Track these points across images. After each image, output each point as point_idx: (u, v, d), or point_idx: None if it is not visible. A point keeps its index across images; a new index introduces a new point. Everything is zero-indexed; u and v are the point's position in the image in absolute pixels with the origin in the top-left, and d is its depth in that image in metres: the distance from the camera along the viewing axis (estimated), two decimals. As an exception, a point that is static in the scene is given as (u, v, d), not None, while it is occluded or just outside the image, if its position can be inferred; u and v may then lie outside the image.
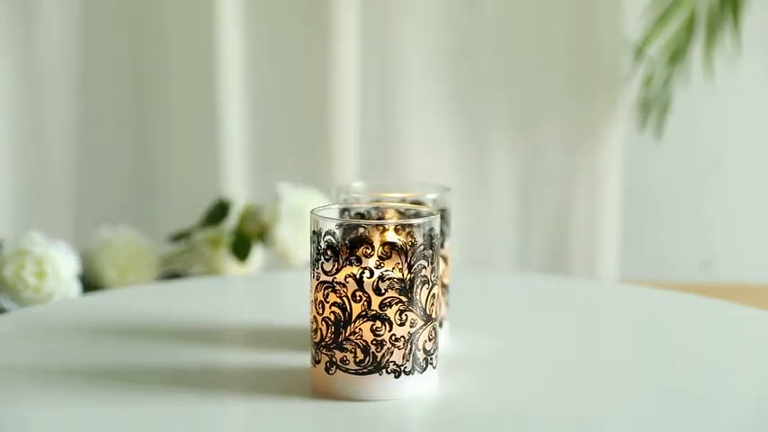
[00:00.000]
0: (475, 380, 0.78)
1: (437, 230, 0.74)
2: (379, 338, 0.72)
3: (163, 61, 1.64)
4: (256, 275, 1.32)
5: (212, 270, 1.39)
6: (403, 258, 0.72)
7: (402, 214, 0.79)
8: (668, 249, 1.79)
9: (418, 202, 0.84)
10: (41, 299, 1.15)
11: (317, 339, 0.74)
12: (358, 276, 0.72)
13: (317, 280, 0.74)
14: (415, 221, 0.73)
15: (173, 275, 1.40)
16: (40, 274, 1.15)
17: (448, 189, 0.87)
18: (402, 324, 0.72)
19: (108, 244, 1.33)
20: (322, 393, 0.74)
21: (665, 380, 0.80)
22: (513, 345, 0.88)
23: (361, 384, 0.72)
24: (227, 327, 0.94)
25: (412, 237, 0.72)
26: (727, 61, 1.61)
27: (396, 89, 1.67)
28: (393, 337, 0.72)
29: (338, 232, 0.73)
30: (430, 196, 0.85)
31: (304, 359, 0.80)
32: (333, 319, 0.72)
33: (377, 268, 0.72)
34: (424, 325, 0.73)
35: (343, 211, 0.82)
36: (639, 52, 1.60)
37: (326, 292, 0.73)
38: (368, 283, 0.72)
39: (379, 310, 0.72)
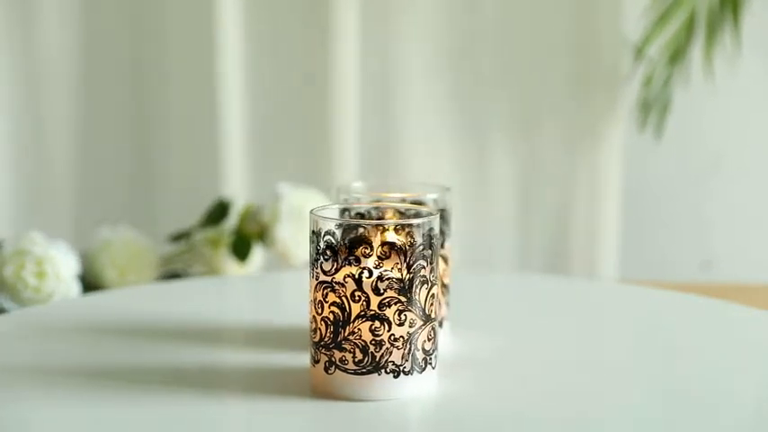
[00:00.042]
0: (475, 380, 0.78)
1: (436, 230, 0.74)
2: (378, 338, 0.72)
3: (163, 61, 1.64)
4: (256, 275, 1.32)
5: (212, 270, 1.39)
6: (402, 258, 0.72)
7: (402, 214, 0.79)
8: (668, 249, 1.79)
9: (419, 202, 0.84)
10: (41, 299, 1.15)
11: (317, 339, 0.74)
12: (357, 276, 0.72)
13: (317, 280, 0.74)
14: (413, 221, 0.73)
15: (173, 275, 1.40)
16: (40, 274, 1.15)
17: (448, 189, 0.87)
18: (401, 324, 0.72)
19: (108, 244, 1.33)
20: (321, 393, 0.74)
21: (665, 380, 0.80)
22: (513, 345, 0.88)
23: (360, 384, 0.72)
24: (227, 327, 0.94)
25: (411, 237, 0.72)
26: (727, 61, 1.61)
27: (396, 89, 1.67)
28: (392, 338, 0.72)
29: (338, 232, 0.73)
30: (430, 196, 0.85)
31: (304, 359, 0.80)
32: (332, 318, 0.72)
33: (376, 268, 0.72)
34: (423, 325, 0.73)
35: (343, 211, 0.82)
36: (639, 52, 1.60)
37: (325, 291, 0.73)
38: (367, 283, 0.72)
39: (377, 310, 0.72)
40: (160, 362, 0.82)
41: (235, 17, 1.62)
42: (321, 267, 0.73)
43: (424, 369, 0.74)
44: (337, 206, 0.81)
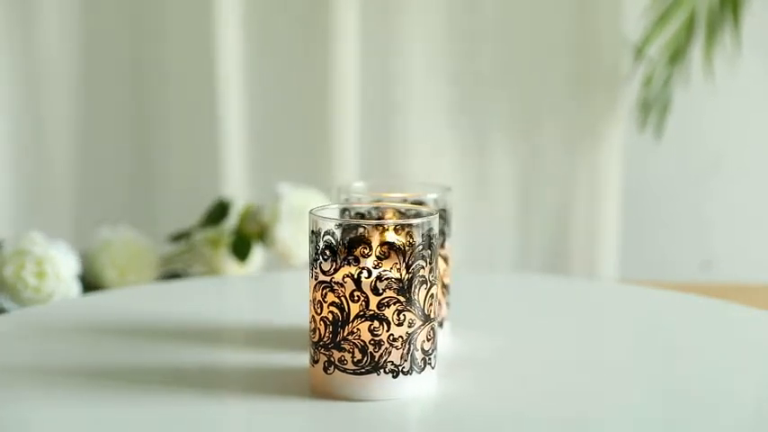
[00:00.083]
0: (475, 380, 0.78)
1: (436, 230, 0.74)
2: (376, 338, 0.72)
3: (163, 61, 1.64)
4: (256, 275, 1.32)
5: (212, 270, 1.39)
6: (401, 258, 0.72)
7: (403, 214, 0.79)
8: (668, 249, 1.79)
9: (419, 203, 0.84)
10: (41, 299, 1.15)
11: (316, 339, 0.74)
12: (356, 276, 0.72)
13: (316, 280, 0.74)
14: (412, 221, 0.73)
15: (173, 275, 1.40)
16: (40, 274, 1.15)
17: (449, 189, 0.87)
18: (400, 324, 0.72)
19: (108, 244, 1.33)
20: (320, 393, 0.74)
21: (665, 380, 0.80)
22: (513, 345, 0.88)
23: (359, 384, 0.72)
24: (227, 327, 0.94)
25: (410, 237, 0.72)
26: (727, 61, 1.61)
27: (396, 89, 1.67)
28: (391, 338, 0.72)
29: (338, 232, 0.73)
30: (431, 196, 0.85)
31: (303, 359, 0.80)
32: (331, 318, 0.72)
33: (375, 268, 0.72)
34: (422, 325, 0.73)
35: (343, 211, 0.82)
36: (639, 52, 1.60)
37: (325, 291, 0.73)
38: (366, 283, 0.72)
39: (376, 310, 0.72)
40: (160, 362, 0.82)
41: (235, 17, 1.62)
42: (320, 267, 0.73)
43: (423, 369, 0.74)
44: (337, 206, 0.81)
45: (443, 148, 1.69)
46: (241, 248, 1.36)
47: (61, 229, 1.63)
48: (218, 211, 1.40)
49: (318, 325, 0.73)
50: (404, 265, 0.72)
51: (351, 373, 0.72)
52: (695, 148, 1.75)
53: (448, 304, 0.87)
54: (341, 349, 0.72)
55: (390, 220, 0.77)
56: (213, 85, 1.61)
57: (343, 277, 0.72)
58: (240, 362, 0.83)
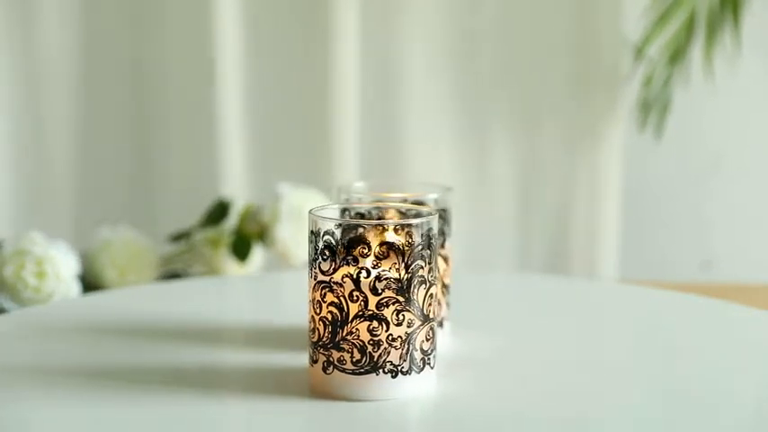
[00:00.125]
0: (475, 380, 0.78)
1: (435, 230, 0.74)
2: (375, 338, 0.72)
3: (163, 61, 1.64)
4: (256, 275, 1.32)
5: (212, 270, 1.39)
6: (400, 258, 0.72)
7: (403, 214, 0.79)
8: (668, 249, 1.79)
9: (420, 203, 0.84)
10: (41, 299, 1.15)
11: (315, 339, 0.74)
12: (355, 276, 0.72)
13: (315, 280, 0.74)
14: (412, 221, 0.73)
15: (173, 275, 1.40)
16: (40, 274, 1.15)
17: (449, 189, 0.87)
18: (399, 324, 0.72)
19: (108, 244, 1.33)
20: (320, 393, 0.74)
21: (665, 380, 0.80)
22: (513, 345, 0.88)
23: (359, 384, 0.72)
24: (227, 327, 0.94)
25: (409, 237, 0.72)
26: (727, 61, 1.61)
27: (396, 89, 1.67)
28: (390, 337, 0.72)
29: (337, 232, 0.73)
30: (431, 196, 0.85)
31: (303, 359, 0.80)
32: (330, 318, 0.72)
33: (374, 268, 0.72)
34: (421, 325, 0.73)
35: (343, 211, 0.82)
36: (639, 52, 1.60)
37: (324, 291, 0.73)
38: (365, 283, 0.72)
39: (375, 310, 0.72)
40: (160, 362, 0.82)
41: (235, 17, 1.62)
42: (319, 267, 0.73)
43: (422, 369, 0.74)
44: (336, 206, 0.81)
45: (443, 148, 1.69)
46: (241, 248, 1.36)
47: (61, 229, 1.63)
48: (218, 211, 1.40)
49: (317, 325, 0.73)
50: (403, 265, 0.72)
51: (350, 373, 0.72)
52: (695, 148, 1.75)
53: (448, 304, 0.87)
54: (340, 349, 0.72)
55: (389, 220, 0.77)
56: (213, 85, 1.61)
57: (342, 277, 0.72)
58: (240, 362, 0.83)
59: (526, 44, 1.67)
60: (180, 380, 0.77)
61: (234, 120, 1.63)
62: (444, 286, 0.86)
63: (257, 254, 1.40)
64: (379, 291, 0.72)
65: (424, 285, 0.73)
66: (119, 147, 1.67)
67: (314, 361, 0.74)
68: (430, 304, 0.74)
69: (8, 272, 1.15)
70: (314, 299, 0.74)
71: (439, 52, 1.67)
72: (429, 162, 1.69)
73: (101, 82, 1.65)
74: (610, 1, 1.63)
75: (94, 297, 1.07)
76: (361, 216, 0.81)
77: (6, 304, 1.15)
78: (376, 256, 0.72)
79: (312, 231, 0.74)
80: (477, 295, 1.05)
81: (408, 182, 0.92)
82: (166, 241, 1.46)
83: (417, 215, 0.76)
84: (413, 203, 0.83)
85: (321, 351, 0.73)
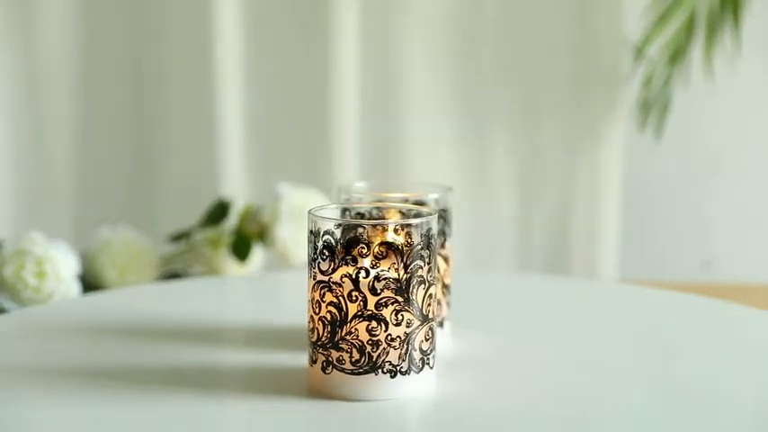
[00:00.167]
0: (474, 380, 0.78)
1: (434, 231, 0.74)
2: (374, 338, 0.72)
3: (163, 61, 1.64)
4: (256, 275, 1.32)
5: (212, 270, 1.39)
6: (399, 258, 0.72)
7: (404, 214, 0.79)
8: (668, 249, 1.79)
9: (420, 203, 0.84)
10: (41, 299, 1.15)
11: (314, 339, 0.74)
12: (354, 276, 0.72)
13: (314, 280, 0.74)
14: (411, 221, 0.73)
15: (173, 275, 1.40)
16: (40, 274, 1.15)
17: (450, 189, 0.87)
18: (398, 324, 0.72)
19: (108, 244, 1.33)
20: (319, 393, 0.74)
21: (665, 380, 0.80)
22: (513, 345, 0.88)
23: (358, 384, 0.72)
24: (226, 327, 0.94)
25: (408, 237, 0.72)
26: (727, 61, 1.61)
27: (396, 89, 1.67)
28: (389, 338, 0.72)
29: (337, 232, 0.73)
30: (432, 196, 0.85)
31: (303, 359, 0.80)
32: (329, 318, 0.72)
33: (373, 268, 0.72)
34: (420, 325, 0.73)
35: (343, 211, 0.82)
36: (639, 52, 1.60)
37: (323, 291, 0.73)
38: (364, 283, 0.72)
39: (374, 310, 0.72)
40: (160, 362, 0.82)
41: (234, 17, 1.62)
42: (318, 267, 0.73)
43: (421, 369, 0.74)
44: (335, 206, 0.81)
45: (443, 148, 1.69)
46: (241, 248, 1.36)
47: (61, 229, 1.63)
48: (218, 211, 1.40)
49: (317, 325, 0.73)
50: (402, 265, 0.72)
51: (349, 373, 0.72)
52: (695, 148, 1.75)
53: (448, 304, 0.87)
54: (339, 349, 0.72)
55: (388, 220, 0.77)
56: (213, 84, 1.61)
57: (341, 277, 0.72)
58: (240, 362, 0.83)
59: (526, 44, 1.67)
60: (180, 380, 0.77)
61: (234, 120, 1.63)
62: (445, 286, 0.86)
63: (257, 254, 1.40)
64: (378, 291, 0.71)
65: (423, 285, 0.73)
66: (119, 147, 1.67)
67: (313, 361, 0.74)
68: (429, 304, 0.74)
69: (8, 272, 1.15)
70: (313, 299, 0.74)
71: (439, 52, 1.67)
72: (429, 162, 1.69)
73: (101, 82, 1.65)
74: (610, 1, 1.63)
75: (94, 297, 1.07)
76: (361, 216, 0.81)
77: (6, 304, 1.15)
78: (375, 256, 0.72)
79: (311, 231, 0.74)
80: (477, 295, 1.05)
81: (409, 182, 0.92)
82: (166, 241, 1.46)
83: (417, 215, 0.76)
84: (414, 203, 0.83)
85: (320, 351, 0.73)
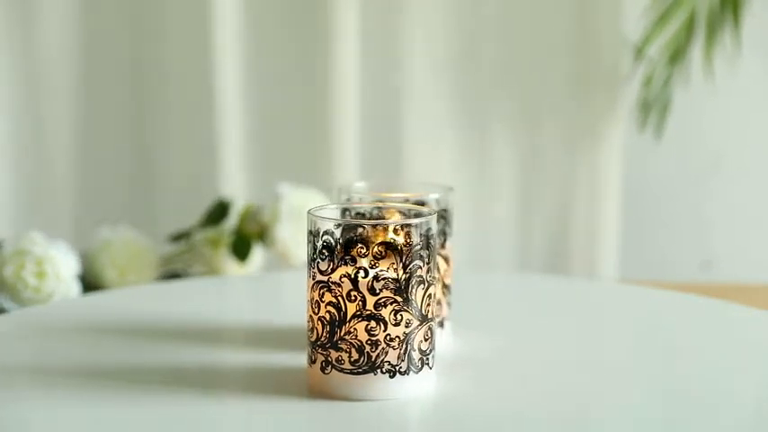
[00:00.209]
0: (474, 380, 0.78)
1: (434, 230, 0.74)
2: (373, 338, 0.72)
3: (163, 61, 1.64)
4: (256, 275, 1.32)
5: (212, 270, 1.39)
6: (398, 258, 0.72)
7: (404, 215, 0.79)
8: (668, 249, 1.78)
9: (421, 203, 0.84)
10: (41, 299, 1.15)
11: (313, 339, 0.74)
12: (353, 276, 0.72)
13: (313, 279, 0.74)
14: (410, 221, 0.73)
15: (173, 275, 1.40)
16: (40, 274, 1.15)
17: (451, 189, 0.87)
18: (397, 324, 0.72)
19: (108, 244, 1.33)
20: (318, 393, 0.74)
21: (665, 380, 0.80)
22: (513, 345, 0.88)
23: (357, 384, 0.72)
24: (226, 327, 0.94)
25: (408, 237, 0.72)
26: (727, 61, 1.61)
27: (396, 89, 1.67)
28: (388, 337, 0.72)
29: (337, 232, 0.73)
30: (433, 196, 0.85)
31: (303, 359, 0.80)
32: (328, 318, 0.72)
33: (372, 268, 0.72)
34: (419, 325, 0.73)
35: (343, 211, 0.82)
36: (639, 52, 1.60)
37: (322, 291, 0.73)
38: (362, 283, 0.72)
39: (373, 310, 0.72)
40: (160, 362, 0.82)
41: (234, 17, 1.62)
42: (318, 267, 0.73)
43: (420, 369, 0.74)
44: (335, 206, 0.81)
45: (443, 148, 1.69)
46: (241, 248, 1.36)
47: (61, 229, 1.63)
48: (218, 211, 1.40)
49: (316, 325, 0.73)
50: (401, 264, 0.72)
51: (348, 373, 0.72)
52: (695, 148, 1.75)
53: (449, 304, 0.87)
54: (338, 349, 0.72)
55: (387, 220, 0.77)
56: (213, 84, 1.61)
57: (340, 277, 0.72)
58: (240, 362, 0.83)
59: (526, 44, 1.67)
60: (180, 380, 0.77)
61: (234, 120, 1.63)
62: (445, 286, 0.86)
63: (257, 254, 1.39)
64: (377, 291, 0.71)
65: (422, 285, 0.73)
66: (119, 147, 1.67)
67: (312, 361, 0.74)
68: (428, 304, 0.74)
69: (8, 272, 1.15)
70: (312, 298, 0.74)
71: (439, 52, 1.67)
72: (429, 162, 1.69)
73: (101, 82, 1.65)
74: (610, 1, 1.63)
75: (94, 297, 1.07)
76: (361, 216, 0.81)
77: (6, 304, 1.15)
78: (374, 256, 0.72)
79: (311, 231, 0.74)
80: (477, 295, 1.05)
81: (409, 182, 0.91)
82: (166, 241, 1.46)
83: (416, 215, 0.76)
84: (414, 204, 0.83)
85: (319, 351, 0.73)
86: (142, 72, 1.65)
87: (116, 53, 1.65)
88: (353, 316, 0.72)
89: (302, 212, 1.35)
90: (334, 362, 0.73)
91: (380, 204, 0.81)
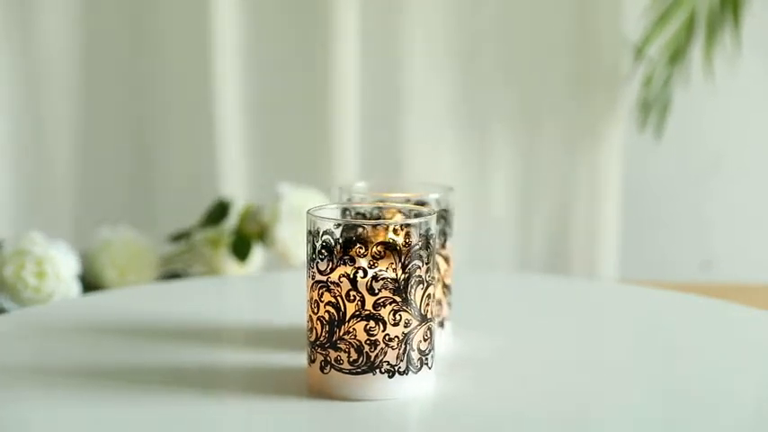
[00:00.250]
0: (474, 380, 0.78)
1: (433, 230, 0.74)
2: (372, 338, 0.72)
3: (163, 61, 1.64)
4: (256, 275, 1.32)
5: (212, 270, 1.39)
6: (397, 258, 0.72)
7: (404, 214, 0.79)
8: (668, 249, 1.78)
9: (421, 203, 0.84)
10: (41, 299, 1.15)
11: (312, 339, 0.74)
12: (352, 276, 0.72)
13: (312, 279, 0.74)
14: (409, 221, 0.73)
15: (173, 275, 1.40)
16: (40, 274, 1.15)
17: (451, 189, 0.87)
18: (396, 324, 0.72)
19: (108, 244, 1.33)
20: (317, 393, 0.74)
21: (665, 380, 0.80)
22: (513, 345, 0.88)
23: (356, 384, 0.72)
24: (226, 327, 0.94)
25: (407, 237, 0.72)
26: (727, 61, 1.61)
27: (396, 89, 1.67)
28: (387, 337, 0.72)
29: (337, 232, 0.73)
30: (433, 196, 0.85)
31: (303, 359, 0.80)
32: (327, 318, 0.73)
33: (371, 268, 0.72)
34: (418, 325, 0.73)
35: (344, 211, 0.82)
36: (639, 52, 1.60)
37: (321, 291, 0.73)
38: (361, 283, 0.72)
39: (372, 310, 0.72)
40: (160, 362, 0.82)
41: (234, 17, 1.62)
42: (317, 267, 0.73)
43: (419, 369, 0.74)
44: (334, 206, 0.81)
45: (443, 148, 1.69)
46: (241, 248, 1.36)
47: (61, 229, 1.63)
48: (218, 211, 1.40)
49: (315, 324, 0.73)
50: (400, 264, 0.72)
51: (347, 373, 0.72)
52: (695, 148, 1.75)
53: (449, 304, 0.87)
54: (337, 349, 0.72)
55: (387, 220, 0.77)
56: (213, 84, 1.61)
57: (339, 277, 0.72)
58: (240, 362, 0.83)
59: (526, 44, 1.67)
60: (180, 380, 0.77)
61: (234, 120, 1.63)
62: (445, 286, 0.86)
63: (257, 254, 1.39)
64: (376, 291, 0.71)
65: (421, 285, 0.73)
66: (119, 147, 1.67)
67: (311, 360, 0.74)
68: (428, 304, 0.74)
69: (8, 272, 1.15)
70: (311, 298, 0.74)
71: (439, 52, 1.67)
72: (429, 162, 1.69)
73: (101, 82, 1.65)
74: (610, 1, 1.63)
75: (94, 297, 1.07)
76: (361, 216, 0.81)
77: (6, 304, 1.15)
78: (373, 256, 0.72)
79: (310, 231, 0.74)
80: (477, 295, 1.05)
81: (410, 182, 0.91)
82: (166, 241, 1.46)
83: (416, 215, 0.76)
84: (415, 204, 0.83)
85: (318, 351, 0.73)
86: (142, 72, 1.65)
87: (116, 53, 1.65)
88: (352, 316, 0.72)
89: (302, 212, 1.35)
90: (333, 362, 0.73)
91: (380, 204, 0.81)
